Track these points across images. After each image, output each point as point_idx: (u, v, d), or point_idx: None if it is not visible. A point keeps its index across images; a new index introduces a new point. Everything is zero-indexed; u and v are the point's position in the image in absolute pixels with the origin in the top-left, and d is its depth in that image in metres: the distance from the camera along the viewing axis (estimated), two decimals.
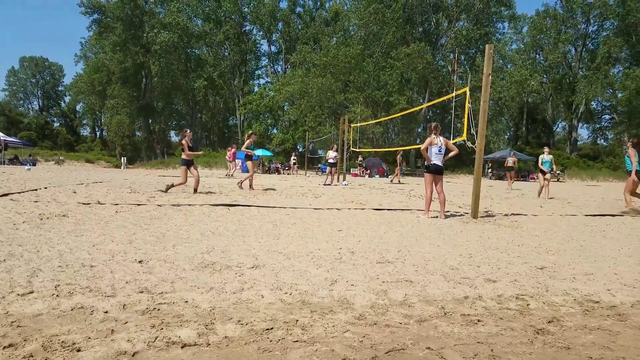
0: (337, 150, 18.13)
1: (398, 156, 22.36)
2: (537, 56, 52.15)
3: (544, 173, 13.59)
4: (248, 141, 12.08)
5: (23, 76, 79.59)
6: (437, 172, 7.66)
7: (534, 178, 35.94)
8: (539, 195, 13.63)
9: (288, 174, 32.56)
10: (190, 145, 10.53)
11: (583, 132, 58.80)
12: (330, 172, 17.61)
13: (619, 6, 43.11)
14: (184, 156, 10.54)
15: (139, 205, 7.52)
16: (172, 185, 10.47)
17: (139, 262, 3.62)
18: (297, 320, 2.47)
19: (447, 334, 2.40)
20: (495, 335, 2.41)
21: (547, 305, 2.97)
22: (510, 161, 20.64)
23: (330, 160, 17.60)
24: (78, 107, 74.14)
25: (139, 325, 2.31)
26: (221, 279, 3.21)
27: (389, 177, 32.56)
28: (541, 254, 4.75)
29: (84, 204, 7.36)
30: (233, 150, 24.88)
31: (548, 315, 2.78)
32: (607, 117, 52.15)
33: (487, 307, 2.88)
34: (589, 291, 3.34)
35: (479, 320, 2.62)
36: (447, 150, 7.84)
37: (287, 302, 2.78)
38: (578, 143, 52.49)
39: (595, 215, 8.70)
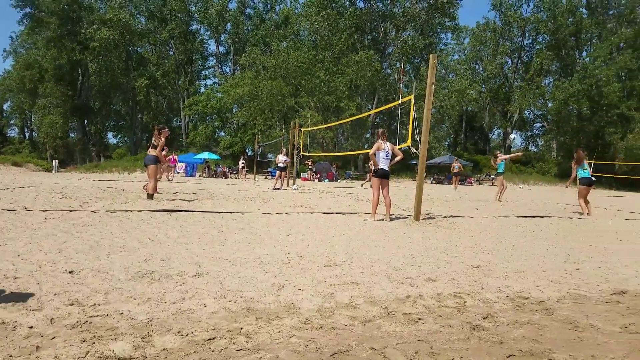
0: (287, 154, 18.06)
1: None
2: (477, 67, 54.85)
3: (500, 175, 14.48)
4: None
5: None
6: (384, 176, 7.84)
7: (470, 182, 37.66)
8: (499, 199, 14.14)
9: (236, 178, 32.06)
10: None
11: (517, 139, 62.32)
12: (280, 176, 17.52)
13: (550, 22, 46.22)
14: (154, 153, 9.79)
15: (70, 211, 7.06)
16: (149, 190, 9.71)
17: (70, 272, 3.39)
18: (241, 328, 2.40)
19: (390, 333, 2.45)
20: (434, 333, 2.49)
21: (482, 302, 3.12)
22: (456, 167, 22.99)
23: (280, 164, 17.50)
24: (5, 106, 69.11)
25: (68, 340, 2.15)
26: (160, 289, 3.07)
27: (338, 181, 32.91)
28: (477, 253, 4.99)
29: (8, 210, 6.81)
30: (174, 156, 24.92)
31: (483, 311, 2.91)
32: (538, 125, 55.72)
33: (428, 306, 2.98)
34: (520, 288, 3.55)
35: (419, 319, 2.70)
36: (394, 156, 8.03)
37: (231, 310, 2.71)
38: (512, 149, 55.57)
39: (526, 217, 9.30)
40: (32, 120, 64.35)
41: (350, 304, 2.92)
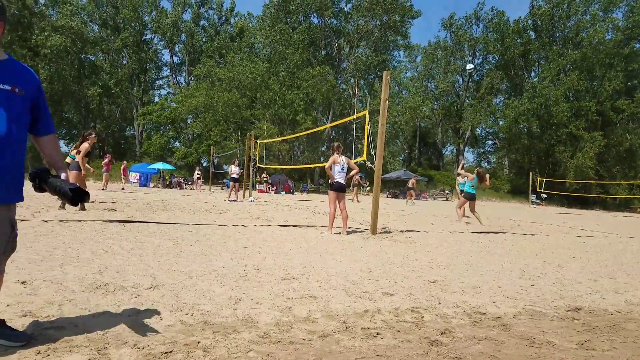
0: (239, 165, 17.87)
1: (355, 178, 23.50)
2: (429, 84, 56.71)
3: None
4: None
5: None
6: (340, 189, 7.93)
7: (425, 197, 38.65)
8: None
9: (191, 189, 31.40)
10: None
11: (469, 156, 64.56)
12: (234, 187, 17.33)
13: (498, 42, 48.51)
14: (77, 159, 9.32)
15: (22, 220, 6.73)
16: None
17: (22, 282, 3.27)
18: (198, 342, 2.39)
19: (349, 348, 2.48)
20: (393, 348, 2.53)
21: (439, 317, 3.17)
22: (410, 182, 24.97)
23: (234, 175, 17.31)
24: None
25: (22, 352, 2.08)
26: (115, 301, 3.01)
27: (295, 193, 32.91)
28: (433, 268, 5.08)
29: None
30: (124, 165, 26.06)
31: (441, 327, 2.96)
32: (490, 142, 58.00)
33: (386, 320, 3.02)
34: (476, 303, 3.61)
35: (378, 334, 2.73)
36: (350, 169, 8.16)
37: (188, 324, 2.68)
38: (465, 166, 57.33)
39: (480, 233, 9.53)
40: None
41: (308, 318, 2.94)
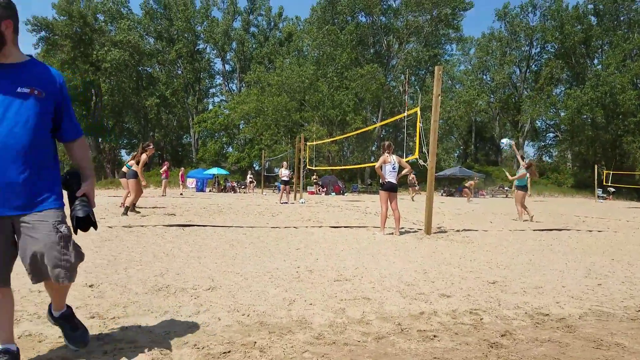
0: (288, 168, 18.04)
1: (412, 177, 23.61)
2: (484, 77, 54.72)
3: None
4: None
5: None
6: (391, 189, 7.82)
7: (483, 194, 37.41)
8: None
9: (244, 192, 32.19)
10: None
11: (529, 150, 61.85)
12: (285, 190, 17.55)
13: (557, 30, 46.10)
14: (135, 169, 9.86)
15: None
16: (129, 206, 9.81)
17: (90, 286, 3.47)
18: (255, 342, 2.43)
19: (405, 350, 2.44)
20: (451, 350, 2.46)
21: (499, 319, 3.05)
22: (468, 183, 25.86)
23: (284, 178, 17.53)
24: None
25: (90, 352, 2.21)
26: (176, 302, 3.13)
27: (345, 194, 32.90)
28: (492, 268, 4.90)
29: None
30: (181, 172, 27.16)
31: (501, 328, 2.85)
32: (551, 135, 55.19)
33: (443, 323, 2.94)
34: (539, 304, 3.45)
35: (435, 336, 2.67)
36: (401, 168, 8.04)
37: (244, 324, 2.74)
38: (525, 160, 54.88)
39: (542, 230, 9.08)
40: None
41: (362, 320, 2.91)
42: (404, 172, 8.11)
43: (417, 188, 24.43)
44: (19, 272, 3.78)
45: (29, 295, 3.14)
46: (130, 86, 50.49)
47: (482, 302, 3.46)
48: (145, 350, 2.27)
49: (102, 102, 51.77)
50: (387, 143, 8.01)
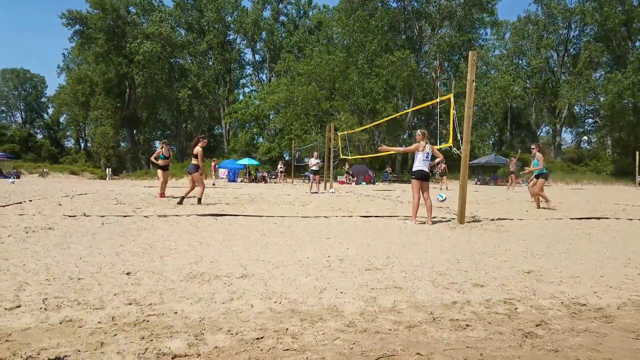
0: (318, 157, 18.01)
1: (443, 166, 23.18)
2: (520, 61, 52.99)
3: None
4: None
5: (5, 89, 78.40)
6: (423, 178, 7.72)
7: (519, 182, 36.47)
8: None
9: (275, 182, 32.50)
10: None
11: (567, 136, 59.76)
12: (315, 180, 17.58)
13: (597, 12, 44.08)
14: (195, 162, 10.32)
15: (125, 216, 7.44)
16: (199, 197, 10.27)
17: (127, 273, 3.59)
18: (287, 329, 2.47)
19: (437, 339, 2.42)
20: (484, 340, 2.43)
21: (534, 309, 3.00)
22: (510, 165, 23.81)
23: (314, 168, 17.55)
24: (61, 119, 73.32)
25: (128, 337, 2.29)
26: (210, 289, 3.20)
27: (376, 183, 32.74)
28: (528, 257, 4.79)
29: (69, 216, 7.27)
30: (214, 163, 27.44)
31: (536, 318, 2.80)
32: (590, 120, 53.14)
33: (476, 312, 2.90)
34: (575, 294, 3.37)
35: (467, 325, 2.64)
36: (434, 157, 7.92)
37: (276, 311, 2.78)
38: (562, 147, 53.35)
39: (580, 219, 8.79)
40: (86, 131, 67.98)
41: (393, 309, 2.90)
42: (436, 160, 7.99)
43: (444, 178, 23.70)
44: (60, 261, 3.97)
45: (68, 283, 3.26)
46: (163, 78, 51.51)
47: (517, 292, 3.40)
48: (181, 335, 2.33)
49: (135, 94, 53.11)
50: (423, 131, 7.88)
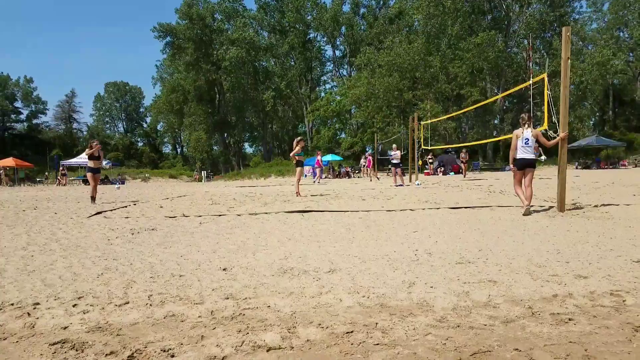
0: (398, 149, 17.62)
1: (462, 153, 23.44)
2: (621, 34, 47.93)
3: None
4: (297, 147, 12.09)
5: (108, 101, 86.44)
6: (524, 166, 7.26)
7: (625, 165, 33.12)
8: None
9: (359, 177, 32.51)
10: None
11: None
12: (397, 172, 17.26)
13: None
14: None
15: (220, 215, 7.90)
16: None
17: (223, 269, 3.80)
18: (376, 323, 2.46)
19: (536, 334, 2.29)
20: (588, 334, 2.27)
21: None
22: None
23: (394, 161, 17.23)
24: (159, 127, 79.55)
25: (226, 330, 2.43)
26: (300, 284, 3.29)
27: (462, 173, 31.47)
28: (636, 245, 4.39)
29: (170, 217, 7.87)
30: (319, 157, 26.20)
31: None
32: None
33: (579, 305, 2.71)
34: None
35: (570, 319, 2.48)
36: (539, 143, 7.35)
37: (365, 306, 2.79)
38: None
39: None
40: (181, 137, 73.20)
41: (488, 303, 2.79)
42: (551, 142, 7.37)
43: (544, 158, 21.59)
44: (162, 259, 4.32)
45: (171, 280, 3.52)
46: (249, 82, 53.68)
47: (625, 283, 3.13)
48: (275, 328, 2.43)
49: (224, 99, 55.99)
50: (522, 116, 7.42)
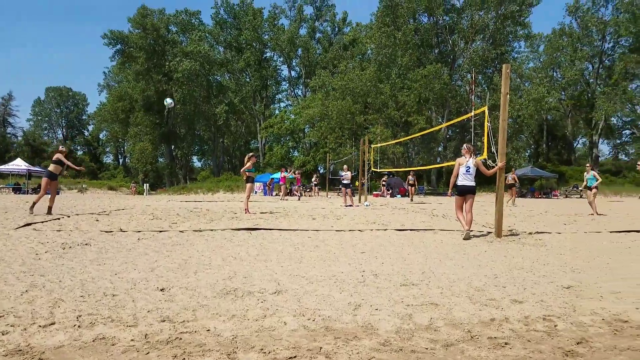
0: (348, 170, 17.84)
1: (410, 177, 23.95)
2: (555, 74, 51.97)
3: (590, 189, 13.84)
4: (249, 163, 12.05)
5: (48, 106, 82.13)
6: (464, 192, 7.57)
7: (556, 195, 35.30)
8: (594, 212, 13.12)
9: (309, 195, 32.59)
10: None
11: (604, 148, 58.04)
12: (347, 193, 17.44)
13: (631, 24, 43.02)
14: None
15: (161, 231, 7.60)
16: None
17: (161, 290, 3.63)
18: (320, 348, 2.43)
19: (475, 358, 2.35)
20: (523, 358, 2.36)
21: (575, 326, 2.90)
22: (509, 178, 20.38)
23: (345, 181, 17.44)
24: (101, 135, 76.26)
25: (160, 355, 2.31)
26: (243, 306, 3.20)
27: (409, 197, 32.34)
28: (567, 272, 4.63)
29: (106, 231, 7.47)
30: (283, 174, 25.88)
31: (576, 336, 2.71)
32: (627, 132, 51.78)
33: (514, 330, 2.82)
34: (617, 310, 3.25)
35: (506, 343, 2.56)
36: (479, 172, 7.71)
37: (310, 329, 2.75)
38: (600, 159, 51.71)
39: (620, 232, 8.44)
40: (125, 147, 70.44)
41: (430, 326, 2.84)
42: (491, 171, 7.74)
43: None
44: (95, 277, 4.07)
45: (103, 299, 3.32)
46: (201, 95, 52.86)
47: (556, 308, 3.29)
48: (214, 354, 2.33)
49: (174, 110, 54.69)
50: (468, 146, 7.75)
